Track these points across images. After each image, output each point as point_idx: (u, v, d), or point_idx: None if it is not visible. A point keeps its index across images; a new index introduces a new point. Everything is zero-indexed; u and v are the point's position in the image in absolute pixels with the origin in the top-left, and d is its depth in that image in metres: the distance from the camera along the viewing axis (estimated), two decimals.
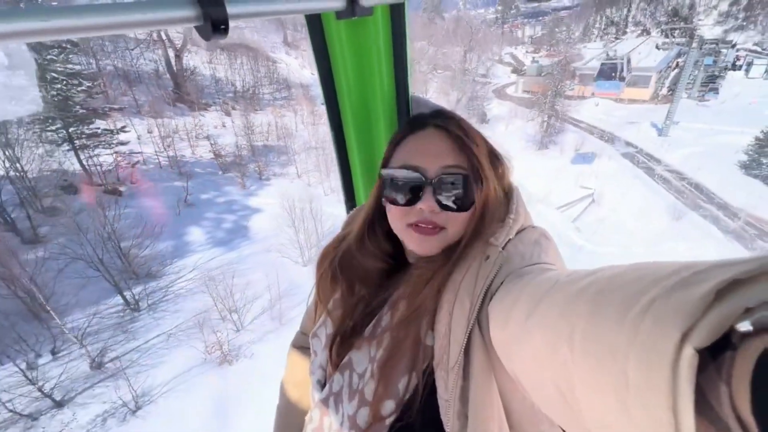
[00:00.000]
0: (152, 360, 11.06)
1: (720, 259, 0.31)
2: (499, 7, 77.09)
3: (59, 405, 9.83)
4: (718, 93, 37.27)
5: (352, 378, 0.78)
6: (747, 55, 43.19)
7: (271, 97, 31.88)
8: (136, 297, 12.75)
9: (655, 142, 31.65)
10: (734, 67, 40.79)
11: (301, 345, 1.11)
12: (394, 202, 0.78)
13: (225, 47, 30.80)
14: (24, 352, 10.53)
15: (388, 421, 0.71)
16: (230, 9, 0.67)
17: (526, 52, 66.37)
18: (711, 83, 37.73)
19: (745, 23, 58.22)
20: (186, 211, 17.26)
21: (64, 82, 16.37)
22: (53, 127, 16.20)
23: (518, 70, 52.70)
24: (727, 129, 30.59)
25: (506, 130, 36.83)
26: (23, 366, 10.06)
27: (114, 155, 17.92)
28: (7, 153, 13.85)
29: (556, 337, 0.43)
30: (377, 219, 0.89)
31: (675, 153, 29.29)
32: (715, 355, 0.29)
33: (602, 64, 39.60)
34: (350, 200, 1.46)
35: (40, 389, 9.50)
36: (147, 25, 0.62)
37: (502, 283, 0.63)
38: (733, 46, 40.30)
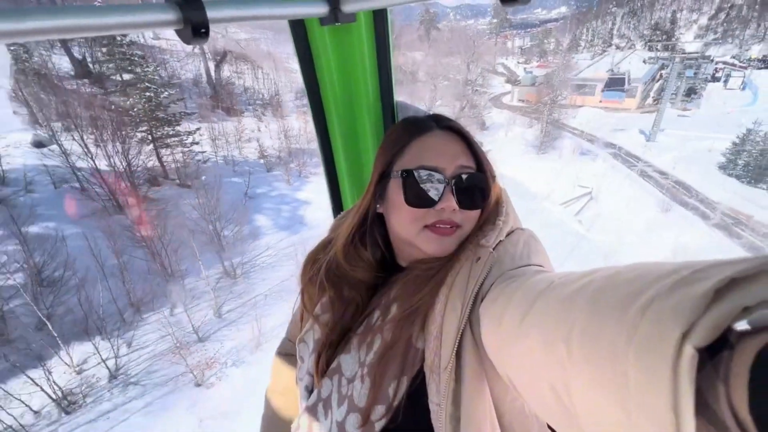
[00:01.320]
0: (259, 312, 13.86)
1: (718, 259, 0.32)
2: (495, 20, 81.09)
3: (201, 340, 12.85)
4: (699, 103, 40.06)
5: (341, 383, 0.78)
6: (725, 67, 46.84)
7: (293, 105, 34.70)
8: (234, 266, 15.80)
9: (644, 147, 34.77)
10: (714, 79, 43.75)
11: (287, 352, 1.12)
12: (415, 204, 0.77)
13: (246, 58, 34.07)
14: (167, 304, 13.59)
15: (378, 426, 0.71)
16: (210, 13, 0.67)
17: (518, 62, 69.43)
18: (693, 94, 40.49)
19: (721, 41, 62.82)
20: (249, 203, 20.17)
21: (154, 90, 19.31)
22: (142, 129, 19.11)
23: (512, 80, 55.37)
24: (707, 135, 33.91)
25: (506, 137, 39.39)
26: (167, 313, 13.13)
27: (182, 154, 20.78)
28: (115, 148, 16.84)
29: (553, 336, 0.43)
30: (369, 226, 0.87)
31: (662, 156, 32.46)
32: (712, 354, 0.29)
33: (609, 77, 42.82)
34: (337, 205, 1.48)
35: (194, 327, 12.58)
36: (128, 27, 0.64)
37: (492, 284, 0.64)
38: (711, 60, 43.87)
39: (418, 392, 0.70)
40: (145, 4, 0.64)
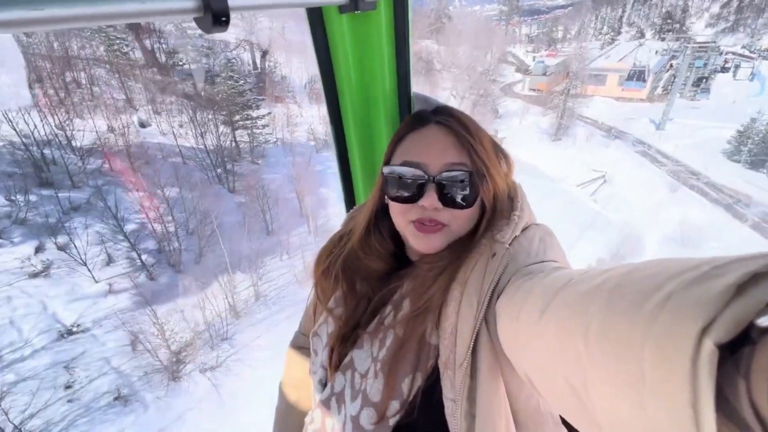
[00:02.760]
0: None
1: (739, 254, 0.32)
2: (504, 8, 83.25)
3: (299, 283, 16.93)
4: (708, 93, 42.84)
5: (354, 378, 0.82)
6: (734, 58, 48.46)
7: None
8: (317, 227, 20.01)
9: (653, 135, 38.11)
10: (723, 69, 46.12)
11: (300, 345, 1.16)
12: (396, 199, 0.81)
13: (282, 48, 37.98)
14: (277, 252, 17.96)
15: (392, 422, 0.75)
16: (231, 1, 0.68)
17: (526, 51, 70.32)
18: (702, 84, 43.08)
19: (733, 30, 64.36)
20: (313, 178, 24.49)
21: (235, 78, 23.12)
22: (224, 113, 22.93)
23: (522, 69, 57.68)
24: (714, 125, 37.12)
25: (520, 125, 42.42)
26: (278, 258, 17.58)
27: (252, 135, 24.59)
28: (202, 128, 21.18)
29: (571, 331, 0.44)
30: (380, 217, 0.92)
31: (671, 143, 36.01)
32: (733, 349, 0.29)
33: (632, 69, 45.40)
34: (350, 199, 1.52)
35: (305, 266, 16.85)
36: (145, 15, 0.64)
37: (509, 281, 0.66)
38: (721, 53, 46.26)
39: (432, 388, 0.73)
40: None
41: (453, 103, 41.13)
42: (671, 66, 47.28)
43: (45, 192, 15.25)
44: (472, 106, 40.88)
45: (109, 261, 14.82)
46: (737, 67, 47.12)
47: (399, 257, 0.93)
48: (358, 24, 1.14)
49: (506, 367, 0.68)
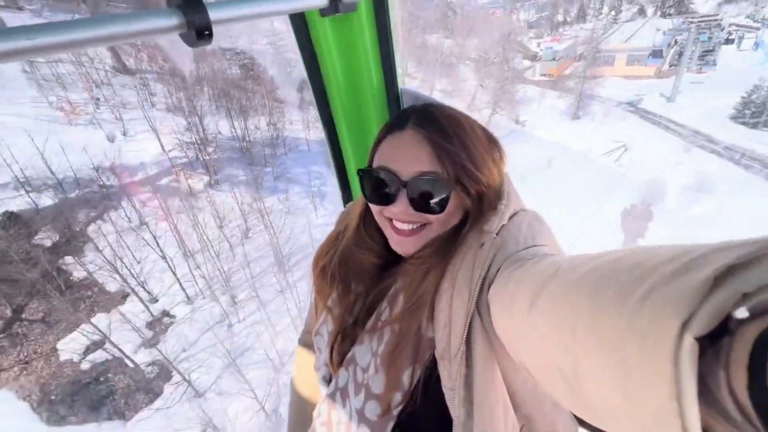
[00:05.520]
0: None
1: (715, 243, 0.35)
2: None
3: None
4: (715, 65, 47.19)
5: (357, 373, 0.92)
6: (738, 29, 52.20)
7: None
8: None
9: (665, 107, 44.10)
10: (728, 41, 50.04)
11: (307, 343, 1.29)
12: (371, 201, 0.92)
13: None
14: None
15: (395, 412, 0.84)
16: (213, 15, 0.75)
17: (529, 37, 70.93)
18: (707, 57, 47.42)
19: (735, 0, 65.48)
20: None
21: None
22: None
23: (528, 56, 61.17)
24: (721, 94, 42.69)
25: (538, 108, 47.62)
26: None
27: None
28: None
29: (559, 323, 0.48)
30: (370, 213, 1.00)
31: (682, 113, 41.98)
32: (712, 339, 0.31)
33: (653, 49, 50.36)
34: (347, 195, 1.67)
35: None
36: (131, 36, 0.70)
37: (499, 269, 0.72)
38: (723, 28, 50.20)
39: (431, 378, 0.82)
40: (146, 11, 0.71)
41: (480, 93, 46.91)
42: (676, 42, 51.78)
43: (260, 168, 25.17)
44: (495, 94, 47.03)
45: (315, 208, 24.81)
46: (741, 38, 51.00)
47: (392, 251, 0.99)
48: (340, 25, 1.25)
49: (501, 352, 0.74)
